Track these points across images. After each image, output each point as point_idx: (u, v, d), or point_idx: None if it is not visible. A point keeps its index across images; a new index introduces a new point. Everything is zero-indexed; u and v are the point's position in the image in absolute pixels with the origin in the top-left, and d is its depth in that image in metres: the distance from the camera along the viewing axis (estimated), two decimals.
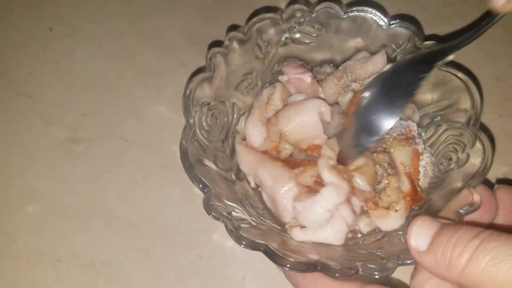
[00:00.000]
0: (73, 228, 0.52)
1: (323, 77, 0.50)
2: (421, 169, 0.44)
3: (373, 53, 0.48)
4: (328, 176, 0.41)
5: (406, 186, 0.43)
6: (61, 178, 0.54)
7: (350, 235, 0.43)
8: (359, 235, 0.44)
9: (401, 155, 0.44)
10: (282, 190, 0.42)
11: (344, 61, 0.50)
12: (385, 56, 0.47)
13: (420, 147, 0.45)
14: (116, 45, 0.61)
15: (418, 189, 0.44)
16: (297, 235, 0.42)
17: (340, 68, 0.49)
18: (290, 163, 0.45)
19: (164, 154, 0.55)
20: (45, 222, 0.52)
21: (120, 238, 0.51)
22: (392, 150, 0.44)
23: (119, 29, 0.62)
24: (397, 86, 0.44)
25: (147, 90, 0.59)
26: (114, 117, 0.57)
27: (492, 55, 0.60)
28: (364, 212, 0.44)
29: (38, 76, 0.60)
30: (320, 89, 0.48)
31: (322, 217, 0.41)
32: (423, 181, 0.44)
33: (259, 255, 0.43)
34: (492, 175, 0.52)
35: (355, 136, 0.44)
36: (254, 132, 0.47)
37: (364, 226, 0.44)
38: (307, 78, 0.48)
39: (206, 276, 0.49)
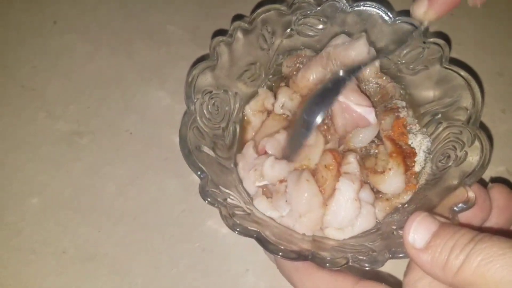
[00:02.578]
0: (76, 220, 0.52)
1: (304, 60, 0.50)
2: (415, 143, 0.46)
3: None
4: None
5: (388, 146, 0.45)
6: (65, 171, 0.55)
7: None
8: None
9: (383, 124, 0.47)
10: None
11: None
12: (366, 40, 0.47)
13: (403, 114, 0.47)
14: (119, 39, 0.62)
15: (406, 147, 0.45)
16: (336, 235, 0.42)
17: (322, 53, 0.48)
18: None
19: (166, 147, 0.55)
20: (49, 214, 0.53)
21: (123, 230, 0.52)
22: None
23: (121, 23, 0.63)
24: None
25: (150, 84, 0.59)
26: (117, 110, 0.58)
27: (494, 50, 0.59)
28: (376, 198, 0.45)
29: (41, 69, 0.60)
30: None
31: (354, 209, 0.41)
32: (423, 159, 0.45)
33: (261, 248, 0.44)
34: (487, 174, 0.53)
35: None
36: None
37: (378, 211, 0.44)
38: (372, 117, 0.45)
39: (209, 269, 0.50)
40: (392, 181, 0.43)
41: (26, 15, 0.63)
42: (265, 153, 0.46)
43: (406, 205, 0.44)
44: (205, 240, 0.51)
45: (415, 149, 0.45)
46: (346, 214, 0.42)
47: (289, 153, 0.45)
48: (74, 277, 0.50)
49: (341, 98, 0.44)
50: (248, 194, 0.45)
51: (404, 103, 0.49)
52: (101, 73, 0.60)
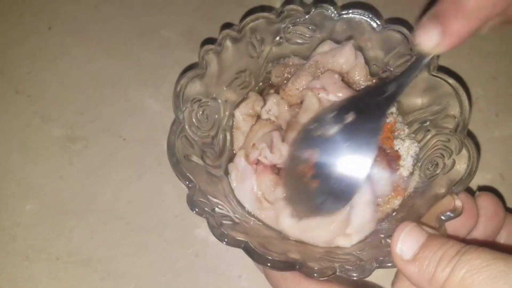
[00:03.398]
0: (70, 224, 0.53)
1: (293, 69, 0.50)
2: (403, 149, 0.46)
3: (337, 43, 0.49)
4: None
5: None
6: (59, 176, 0.55)
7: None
8: None
9: None
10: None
11: None
12: (353, 46, 0.48)
13: (390, 119, 0.47)
14: (113, 44, 0.62)
15: (390, 151, 0.45)
16: (346, 243, 0.42)
17: (311, 62, 0.48)
18: None
19: (160, 152, 0.55)
20: (43, 219, 0.53)
21: (117, 234, 0.52)
22: None
23: (116, 28, 0.63)
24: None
25: (144, 88, 0.59)
26: (111, 115, 0.58)
27: (488, 54, 0.59)
28: None
29: (36, 74, 0.60)
30: None
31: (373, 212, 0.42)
32: (411, 164, 0.46)
33: None
34: (482, 178, 0.53)
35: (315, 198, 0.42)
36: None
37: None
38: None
39: (202, 274, 0.50)
40: (378, 185, 0.43)
41: (20, 21, 0.63)
42: (257, 162, 0.46)
43: (395, 213, 0.44)
44: (198, 245, 0.51)
45: (399, 153, 0.46)
46: (366, 219, 0.42)
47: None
48: (68, 282, 0.50)
49: (317, 84, 0.45)
50: (239, 203, 0.45)
51: (394, 109, 0.49)
52: (96, 79, 0.60)
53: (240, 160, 0.46)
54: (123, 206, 0.53)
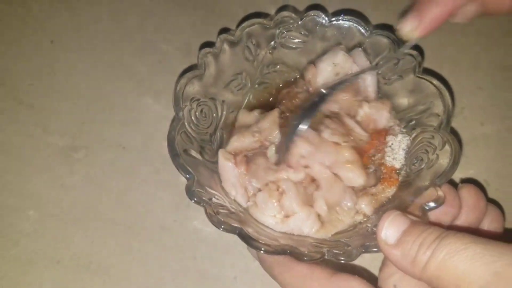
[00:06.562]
0: (71, 230, 0.54)
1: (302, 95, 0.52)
2: (396, 143, 0.49)
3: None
4: None
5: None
6: (60, 184, 0.56)
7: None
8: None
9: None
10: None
11: None
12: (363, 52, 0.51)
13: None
14: (113, 58, 0.64)
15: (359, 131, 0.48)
16: (324, 235, 0.45)
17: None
18: None
19: (158, 160, 0.57)
20: (45, 225, 0.54)
21: (116, 240, 0.54)
22: None
23: (115, 43, 0.65)
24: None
25: (143, 99, 0.61)
26: (111, 125, 0.60)
27: (475, 66, 0.62)
28: (364, 193, 0.47)
29: (38, 86, 0.62)
30: None
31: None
32: (402, 157, 0.49)
33: (250, 256, 0.46)
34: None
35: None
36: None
37: (365, 206, 0.46)
38: None
39: (199, 275, 0.52)
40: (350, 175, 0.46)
41: (24, 35, 0.65)
42: (245, 161, 0.48)
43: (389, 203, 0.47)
44: (195, 248, 0.53)
45: (392, 147, 0.48)
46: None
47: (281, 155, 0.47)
48: (69, 285, 0.52)
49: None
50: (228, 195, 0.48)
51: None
52: (96, 90, 0.62)
53: (227, 164, 0.48)
54: (122, 212, 0.55)
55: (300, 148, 0.45)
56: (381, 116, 0.49)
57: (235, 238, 0.42)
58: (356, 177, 0.45)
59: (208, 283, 0.52)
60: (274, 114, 0.49)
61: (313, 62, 0.52)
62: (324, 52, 0.52)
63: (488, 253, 0.30)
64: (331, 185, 0.44)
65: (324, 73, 0.50)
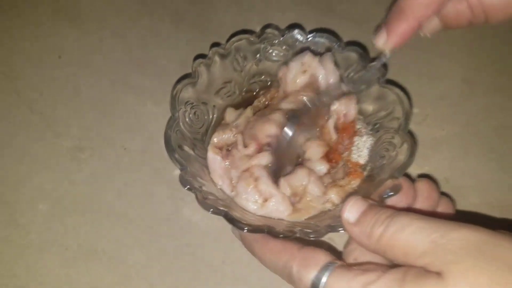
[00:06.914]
0: (78, 221, 0.59)
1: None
2: (361, 142, 0.56)
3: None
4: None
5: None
6: (68, 180, 0.61)
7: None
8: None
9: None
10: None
11: None
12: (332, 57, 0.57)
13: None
14: (116, 71, 0.69)
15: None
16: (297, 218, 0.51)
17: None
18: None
19: (157, 160, 0.62)
20: (54, 217, 0.59)
21: (118, 230, 0.58)
22: None
23: (119, 59, 0.70)
24: None
25: (144, 108, 0.67)
26: (115, 130, 0.65)
27: (437, 77, 0.68)
28: (333, 185, 0.53)
29: (48, 96, 0.67)
30: None
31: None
32: (367, 154, 0.55)
33: (237, 243, 0.52)
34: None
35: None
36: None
37: (334, 196, 0.51)
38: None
39: (191, 260, 0.57)
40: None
41: (34, 49, 0.71)
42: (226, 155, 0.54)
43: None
44: (188, 237, 0.58)
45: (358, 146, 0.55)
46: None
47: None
48: (76, 270, 0.56)
49: None
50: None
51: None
52: (101, 99, 0.67)
53: (215, 159, 0.54)
54: (124, 206, 0.60)
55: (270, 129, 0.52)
56: (350, 109, 0.55)
57: (224, 227, 0.48)
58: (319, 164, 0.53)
59: (200, 266, 0.57)
60: (248, 111, 0.56)
61: (285, 63, 0.58)
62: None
63: (428, 226, 0.36)
64: (295, 170, 0.51)
65: (293, 70, 0.56)
